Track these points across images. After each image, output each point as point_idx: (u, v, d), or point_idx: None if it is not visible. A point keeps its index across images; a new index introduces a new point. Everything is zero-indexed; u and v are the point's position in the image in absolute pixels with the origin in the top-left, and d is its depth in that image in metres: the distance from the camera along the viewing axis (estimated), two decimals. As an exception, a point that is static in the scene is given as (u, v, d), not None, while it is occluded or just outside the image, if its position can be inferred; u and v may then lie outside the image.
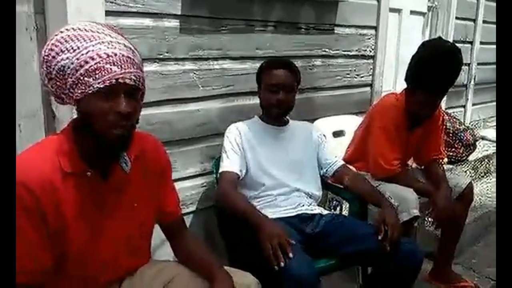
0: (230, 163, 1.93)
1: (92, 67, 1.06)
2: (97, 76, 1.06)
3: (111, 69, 1.06)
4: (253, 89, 2.18)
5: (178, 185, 2.07)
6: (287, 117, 2.12)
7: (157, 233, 1.45)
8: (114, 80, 1.07)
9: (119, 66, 1.07)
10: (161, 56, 2.01)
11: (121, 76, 1.07)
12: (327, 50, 2.82)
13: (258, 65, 2.13)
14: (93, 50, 1.06)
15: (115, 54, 1.08)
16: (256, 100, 2.11)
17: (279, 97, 1.96)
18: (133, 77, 1.10)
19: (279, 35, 2.50)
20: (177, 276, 1.33)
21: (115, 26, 1.19)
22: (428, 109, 2.21)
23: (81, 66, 1.06)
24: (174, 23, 2.04)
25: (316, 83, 2.80)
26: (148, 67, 1.97)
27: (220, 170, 1.93)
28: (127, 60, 1.09)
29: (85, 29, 1.09)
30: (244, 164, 1.96)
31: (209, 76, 2.21)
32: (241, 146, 1.97)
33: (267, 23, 2.44)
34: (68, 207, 1.14)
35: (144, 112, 1.94)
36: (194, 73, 2.15)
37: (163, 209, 1.40)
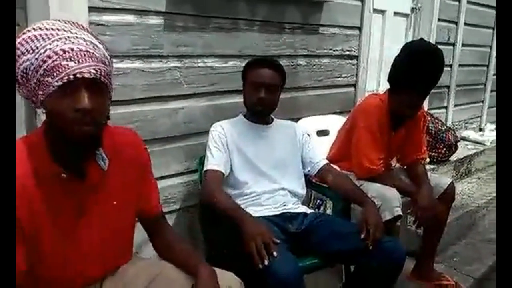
0: (214, 162, 1.92)
1: (49, 66, 1.03)
2: (55, 74, 1.03)
3: (67, 65, 1.03)
4: (237, 88, 2.17)
5: (161, 184, 2.06)
6: (272, 116, 2.12)
7: (141, 231, 1.44)
8: (72, 76, 1.03)
9: (76, 61, 1.04)
10: (145, 53, 1.99)
11: (77, 70, 1.04)
12: (311, 49, 2.83)
13: (242, 64, 2.12)
14: (50, 48, 1.04)
15: (72, 50, 1.04)
16: (240, 99, 2.11)
17: (261, 96, 1.96)
18: (92, 70, 1.05)
19: (264, 34, 2.50)
20: (160, 274, 1.31)
21: (78, 23, 1.14)
22: (411, 109, 2.23)
23: (40, 66, 1.04)
24: (159, 20, 2.02)
25: (301, 83, 2.81)
26: (131, 64, 1.95)
27: (205, 169, 1.92)
28: (85, 54, 1.05)
29: (46, 28, 1.06)
30: (228, 163, 1.95)
31: (193, 74, 2.20)
32: (226, 144, 1.97)
33: (253, 22, 2.43)
34: (43, 211, 1.12)
35: (127, 109, 1.96)
36: (178, 71, 2.14)
37: (144, 205, 1.38)
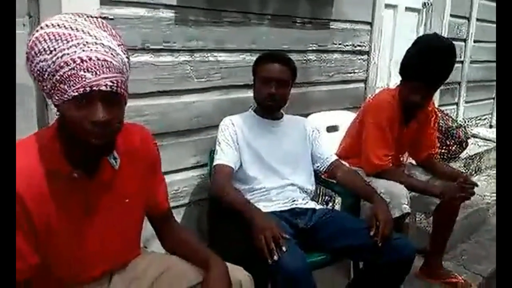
0: (224, 156, 1.92)
1: (66, 74, 1.00)
2: (71, 83, 1.00)
3: (84, 76, 1.00)
4: (248, 82, 2.17)
5: (171, 178, 2.08)
6: (282, 111, 2.11)
7: (149, 225, 1.44)
8: (88, 88, 1.00)
9: (93, 73, 1.00)
10: (155, 47, 1.99)
11: (95, 83, 1.00)
12: (322, 44, 2.81)
13: (253, 58, 2.12)
14: (68, 54, 1.00)
15: (90, 59, 1.01)
16: (251, 93, 2.10)
17: (271, 91, 1.95)
18: (108, 83, 1.02)
19: (275, 28, 2.49)
20: (169, 268, 1.32)
21: (100, 18, 1.11)
22: (421, 97, 2.19)
23: (57, 71, 1.00)
24: (170, 13, 2.02)
25: (311, 78, 2.79)
26: (142, 58, 1.95)
27: (214, 163, 1.92)
28: (103, 65, 1.02)
29: (64, 26, 1.02)
30: (238, 158, 1.95)
31: (204, 68, 2.19)
32: (235, 139, 1.97)
33: (263, 17, 2.42)
34: (52, 207, 1.11)
35: (137, 103, 1.96)
36: (189, 65, 2.13)
37: (152, 201, 1.38)
